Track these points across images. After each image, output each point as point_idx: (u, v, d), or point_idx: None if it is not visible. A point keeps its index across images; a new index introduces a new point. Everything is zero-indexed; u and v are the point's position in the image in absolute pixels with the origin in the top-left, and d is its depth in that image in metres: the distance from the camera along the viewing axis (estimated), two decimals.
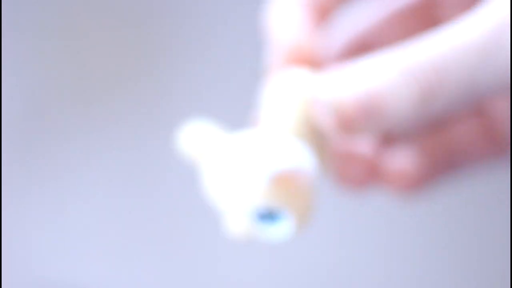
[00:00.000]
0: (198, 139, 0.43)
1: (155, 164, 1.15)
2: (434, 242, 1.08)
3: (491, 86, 0.39)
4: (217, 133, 0.43)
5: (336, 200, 1.09)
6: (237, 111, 1.15)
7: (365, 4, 0.49)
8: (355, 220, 1.09)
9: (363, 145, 0.48)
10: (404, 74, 0.39)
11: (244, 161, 0.40)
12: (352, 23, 0.49)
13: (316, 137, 0.42)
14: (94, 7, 1.20)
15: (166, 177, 1.15)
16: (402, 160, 0.48)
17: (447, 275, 1.08)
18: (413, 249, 1.09)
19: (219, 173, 0.41)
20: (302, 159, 0.40)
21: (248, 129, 0.44)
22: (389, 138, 0.49)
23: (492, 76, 0.38)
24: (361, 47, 0.49)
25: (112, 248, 1.16)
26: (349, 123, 0.39)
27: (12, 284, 1.18)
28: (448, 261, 1.08)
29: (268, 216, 0.41)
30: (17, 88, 1.20)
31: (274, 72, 0.46)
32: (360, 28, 0.49)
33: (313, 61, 0.46)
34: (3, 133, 1.20)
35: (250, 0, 1.15)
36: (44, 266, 1.18)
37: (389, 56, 0.40)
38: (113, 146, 1.17)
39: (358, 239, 1.10)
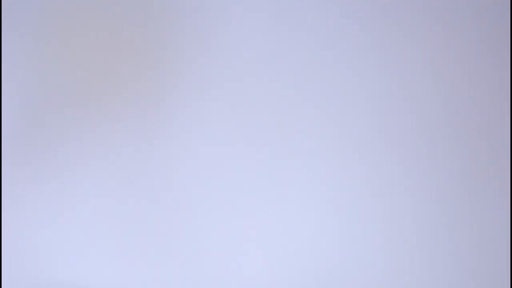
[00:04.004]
0: None
1: (155, 164, 1.15)
2: (434, 242, 1.08)
3: None
4: None
5: (335, 200, 1.09)
6: (237, 112, 1.15)
7: None
8: (354, 220, 1.09)
9: None
10: None
11: None
12: None
13: None
14: (94, 7, 1.20)
15: (166, 177, 1.15)
16: None
17: (447, 275, 1.08)
18: (413, 249, 1.09)
19: None
20: None
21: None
22: None
23: None
24: None
25: (112, 248, 1.16)
26: None
27: (12, 284, 1.18)
28: (449, 261, 1.08)
29: None
30: (17, 88, 1.20)
31: None
32: None
33: None
34: (3, 133, 1.20)
35: (250, 0, 1.15)
36: (44, 266, 1.18)
37: None
38: (113, 146, 1.17)
39: (358, 239, 1.10)
